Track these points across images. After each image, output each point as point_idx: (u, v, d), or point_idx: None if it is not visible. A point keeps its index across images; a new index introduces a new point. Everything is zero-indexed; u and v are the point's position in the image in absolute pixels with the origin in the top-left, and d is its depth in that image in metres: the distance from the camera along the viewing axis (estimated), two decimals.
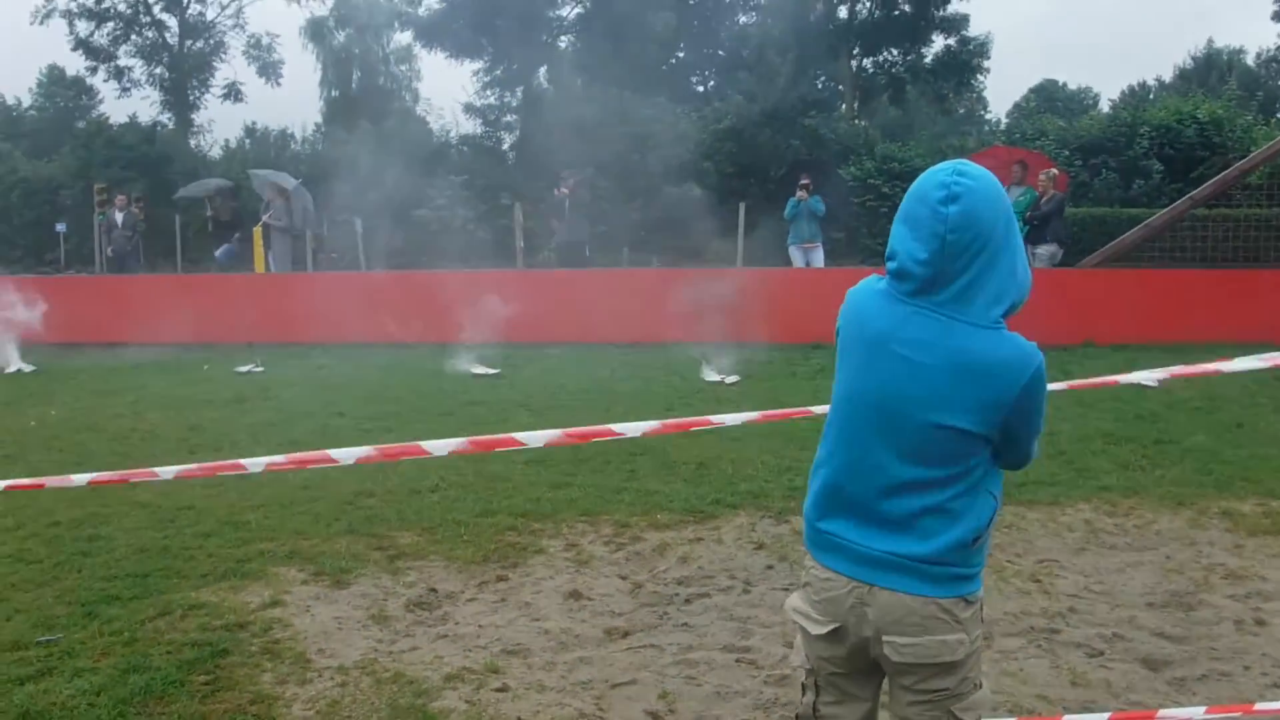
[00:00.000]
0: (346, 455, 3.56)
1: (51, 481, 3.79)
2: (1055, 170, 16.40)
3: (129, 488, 7.31)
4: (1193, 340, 12.58)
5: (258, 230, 19.29)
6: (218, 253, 20.91)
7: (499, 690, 4.43)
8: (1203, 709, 3.64)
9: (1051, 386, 3.03)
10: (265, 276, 17.16)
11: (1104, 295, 13.92)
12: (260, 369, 13.15)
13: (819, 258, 16.93)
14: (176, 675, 4.48)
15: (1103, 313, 13.59)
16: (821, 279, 15.38)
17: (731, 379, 11.54)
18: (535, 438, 3.72)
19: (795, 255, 16.95)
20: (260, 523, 6.63)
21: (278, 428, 9.62)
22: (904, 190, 2.53)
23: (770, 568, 5.81)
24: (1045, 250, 15.45)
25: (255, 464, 3.48)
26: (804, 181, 16.98)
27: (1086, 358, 12.43)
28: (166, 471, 3.45)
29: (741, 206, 18.33)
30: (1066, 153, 23.07)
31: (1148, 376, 2.95)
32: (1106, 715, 3.25)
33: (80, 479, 3.61)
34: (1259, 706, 3.73)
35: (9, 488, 3.75)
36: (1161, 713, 3.51)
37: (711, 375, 11.69)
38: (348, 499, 7.10)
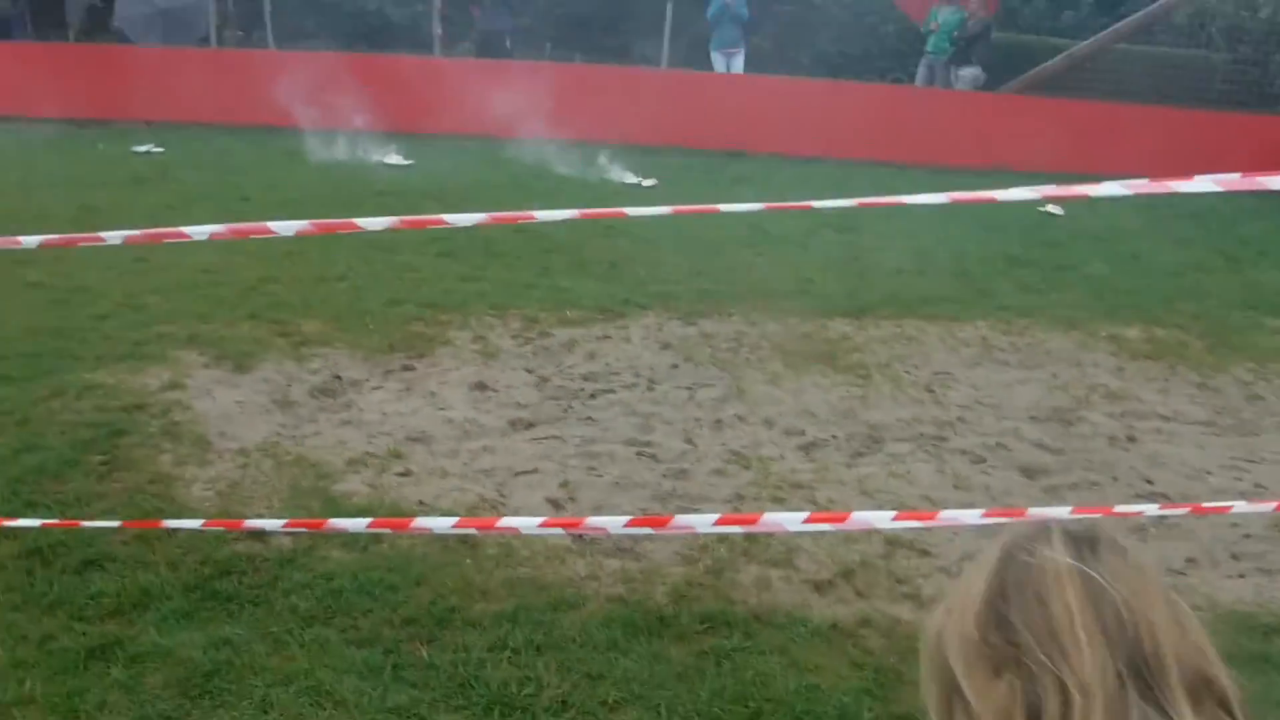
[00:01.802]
0: (285, 228, 3.54)
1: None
2: None
3: (17, 265, 7.07)
4: (1103, 171, 12.77)
5: None
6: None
7: (401, 475, 4.50)
8: (1067, 510, 3.85)
9: (928, 198, 3.08)
10: (164, 51, 16.27)
11: (1021, 122, 13.95)
12: (159, 150, 12.65)
13: (739, 63, 16.55)
14: (71, 455, 4.45)
15: (1018, 139, 13.65)
16: (744, 85, 15.16)
17: (649, 182, 11.46)
18: (461, 219, 3.73)
19: (717, 60, 16.55)
20: (160, 306, 6.49)
21: (178, 211, 9.32)
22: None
23: (675, 367, 5.91)
24: (968, 73, 15.37)
25: (198, 232, 3.43)
26: None
27: (998, 182, 12.56)
28: (114, 236, 3.35)
29: (669, 6, 17.79)
30: None
31: (1020, 195, 2.98)
32: (980, 513, 3.42)
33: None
34: (1117, 509, 3.97)
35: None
36: (1030, 512, 3.70)
37: (629, 177, 11.61)
38: (251, 284, 6.98)
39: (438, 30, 17.01)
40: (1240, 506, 4.03)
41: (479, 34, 16.94)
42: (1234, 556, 4.19)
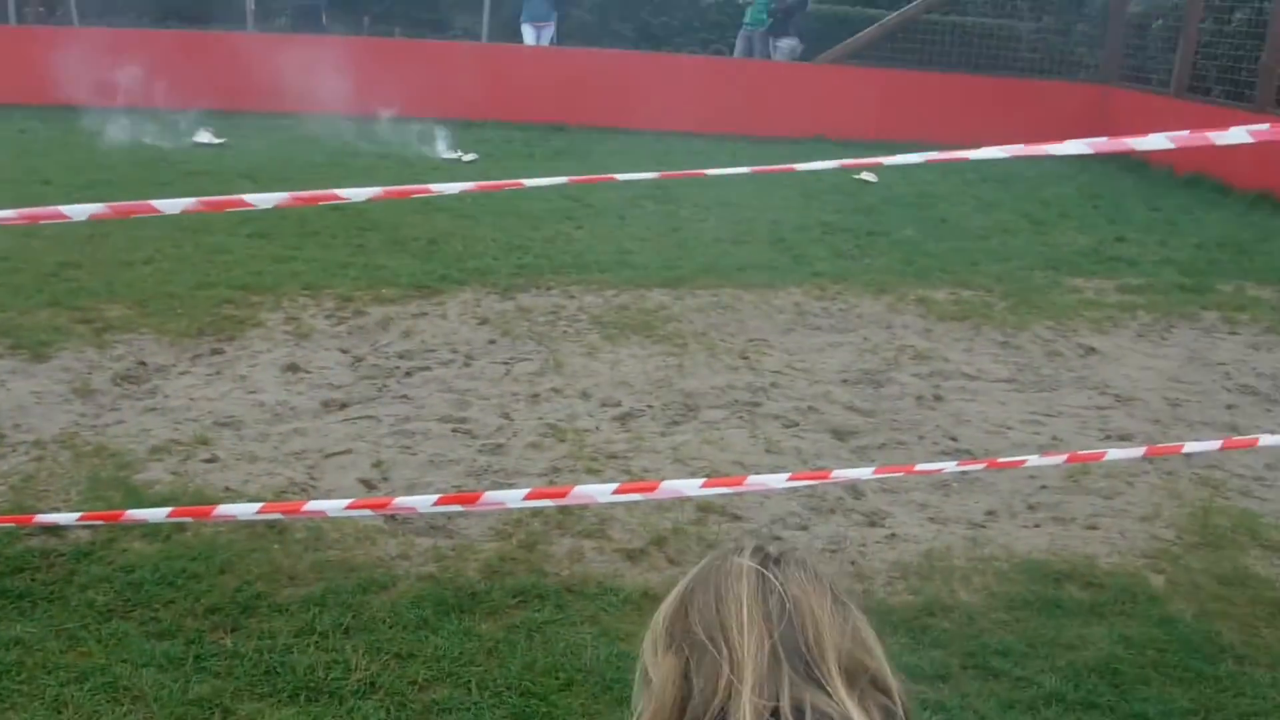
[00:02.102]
0: (78, 211, 3.41)
1: None
2: None
3: None
4: (917, 138, 13.19)
5: None
6: None
7: (208, 461, 4.38)
8: (871, 470, 4.00)
9: (730, 170, 3.15)
10: None
11: (837, 91, 14.32)
12: None
13: (549, 36, 16.40)
14: None
15: (835, 108, 14.01)
16: (565, 58, 15.08)
17: (469, 157, 11.36)
18: (264, 199, 3.67)
19: (527, 33, 16.31)
20: None
21: None
22: None
23: (492, 342, 5.89)
24: (786, 44, 15.65)
25: None
26: None
27: (815, 152, 12.86)
28: None
29: None
30: None
31: (818, 165, 3.11)
32: (786, 477, 3.53)
33: None
34: (918, 468, 4.15)
35: None
36: (835, 473, 3.84)
37: (448, 153, 11.47)
38: (51, 270, 6.66)
39: (251, 5, 16.42)
40: (1034, 460, 4.22)
41: (293, 9, 16.42)
42: (1030, 507, 4.38)
